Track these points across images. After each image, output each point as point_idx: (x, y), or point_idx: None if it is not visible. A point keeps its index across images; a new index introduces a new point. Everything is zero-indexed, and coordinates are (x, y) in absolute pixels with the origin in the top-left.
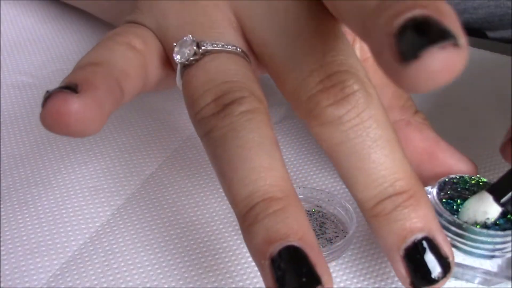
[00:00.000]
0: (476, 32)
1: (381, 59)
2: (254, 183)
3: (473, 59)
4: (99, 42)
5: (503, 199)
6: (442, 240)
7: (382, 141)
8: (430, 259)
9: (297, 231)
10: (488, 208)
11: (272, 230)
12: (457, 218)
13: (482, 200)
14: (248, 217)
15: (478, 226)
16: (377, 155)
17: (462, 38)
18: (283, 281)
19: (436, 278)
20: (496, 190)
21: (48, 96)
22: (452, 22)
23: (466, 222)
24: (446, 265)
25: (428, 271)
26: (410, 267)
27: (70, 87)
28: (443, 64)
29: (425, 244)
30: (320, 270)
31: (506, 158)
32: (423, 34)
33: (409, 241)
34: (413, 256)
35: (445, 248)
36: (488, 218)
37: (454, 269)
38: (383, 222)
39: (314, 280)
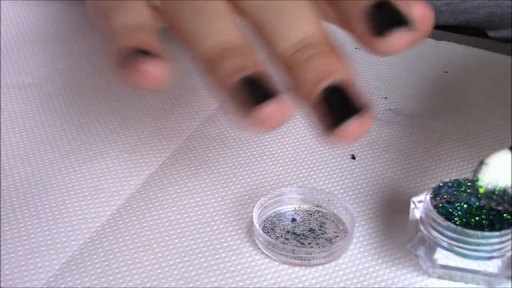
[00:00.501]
0: (477, 31)
1: (355, 29)
2: (221, 35)
3: (473, 59)
4: (118, 3)
5: None
6: (356, 89)
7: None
8: (343, 106)
9: (256, 64)
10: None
11: (238, 64)
12: (476, 179)
13: (506, 161)
14: (216, 58)
15: (497, 190)
16: (291, 12)
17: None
18: (242, 97)
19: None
20: None
21: (129, 57)
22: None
23: (487, 184)
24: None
25: (341, 114)
26: (326, 109)
27: (143, 51)
28: (405, 41)
29: (339, 88)
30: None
31: None
32: (390, 17)
33: (324, 85)
34: (329, 99)
35: (357, 98)
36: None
37: (453, 273)
38: (300, 69)
39: (268, 97)
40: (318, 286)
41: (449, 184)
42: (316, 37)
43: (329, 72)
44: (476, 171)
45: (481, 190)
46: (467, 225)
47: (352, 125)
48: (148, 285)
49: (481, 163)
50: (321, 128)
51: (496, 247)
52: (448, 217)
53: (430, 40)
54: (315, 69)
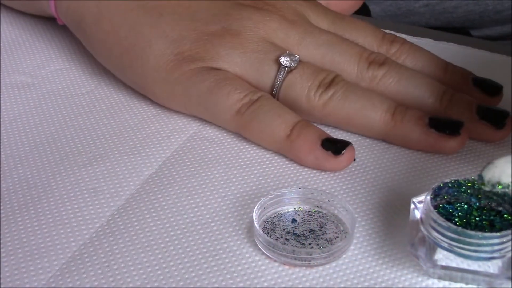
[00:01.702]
0: (460, 31)
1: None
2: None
3: (472, 60)
4: (263, 107)
5: None
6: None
7: None
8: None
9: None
10: None
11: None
12: (481, 176)
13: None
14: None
15: (500, 187)
16: (426, 80)
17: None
18: None
19: None
20: None
21: (344, 149)
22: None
23: (488, 181)
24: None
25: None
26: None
27: (332, 140)
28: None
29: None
30: None
31: None
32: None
33: (475, 108)
34: (483, 114)
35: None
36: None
37: (453, 273)
38: (455, 106)
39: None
40: (318, 286)
41: (450, 185)
42: (446, 86)
43: (470, 100)
44: (483, 169)
45: (483, 185)
46: (467, 225)
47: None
48: (148, 286)
49: (489, 163)
50: (487, 133)
51: (496, 247)
52: (449, 217)
53: (429, 40)
54: (465, 102)
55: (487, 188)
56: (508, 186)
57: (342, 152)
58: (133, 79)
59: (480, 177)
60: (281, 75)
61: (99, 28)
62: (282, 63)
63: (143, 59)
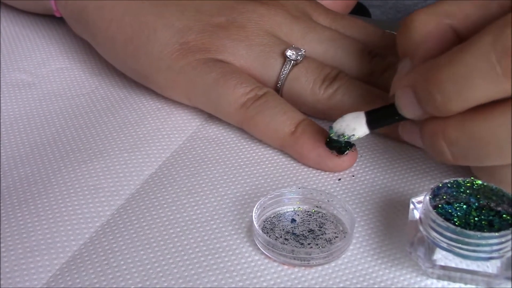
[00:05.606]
0: None
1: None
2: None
3: None
4: (269, 103)
5: (374, 127)
6: None
7: None
8: None
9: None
10: (358, 127)
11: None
12: (331, 127)
13: (357, 118)
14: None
15: (345, 138)
16: None
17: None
18: None
19: None
20: (374, 117)
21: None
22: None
23: (336, 132)
24: None
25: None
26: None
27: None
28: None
29: None
30: None
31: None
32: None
33: None
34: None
35: None
36: (353, 135)
37: (452, 273)
38: None
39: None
40: (317, 286)
41: (449, 185)
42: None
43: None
44: (334, 122)
45: (331, 135)
46: (466, 225)
47: None
48: (148, 284)
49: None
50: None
51: (495, 247)
52: (448, 217)
53: None
54: None
55: (334, 137)
56: (349, 137)
57: (346, 152)
58: (136, 69)
59: (331, 128)
60: (287, 69)
61: (101, 17)
62: (288, 56)
63: (148, 47)
